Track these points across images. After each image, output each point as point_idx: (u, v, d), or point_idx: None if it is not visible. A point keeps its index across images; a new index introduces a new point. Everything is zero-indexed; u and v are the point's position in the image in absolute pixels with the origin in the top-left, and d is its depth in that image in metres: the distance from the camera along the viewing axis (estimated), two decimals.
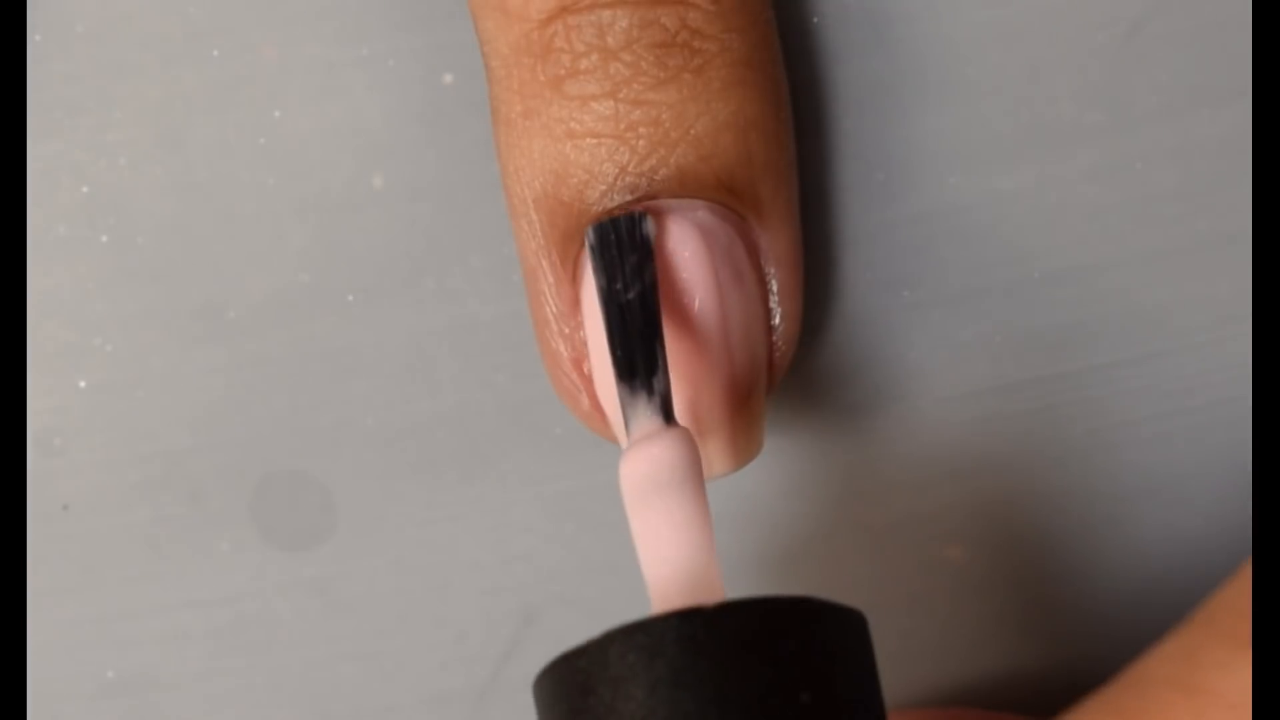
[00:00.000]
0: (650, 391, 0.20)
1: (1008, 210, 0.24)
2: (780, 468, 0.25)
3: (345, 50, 0.24)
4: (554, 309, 0.22)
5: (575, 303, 0.22)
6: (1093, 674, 0.26)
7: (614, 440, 0.22)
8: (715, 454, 0.22)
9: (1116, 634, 0.26)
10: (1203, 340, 0.24)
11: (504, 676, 0.26)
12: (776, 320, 0.22)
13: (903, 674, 0.26)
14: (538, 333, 0.22)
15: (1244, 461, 0.25)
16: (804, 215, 0.24)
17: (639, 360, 0.20)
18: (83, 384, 0.25)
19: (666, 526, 0.20)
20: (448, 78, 0.24)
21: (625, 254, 0.21)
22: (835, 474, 0.25)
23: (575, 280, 0.21)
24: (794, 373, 0.25)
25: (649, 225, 0.21)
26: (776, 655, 0.18)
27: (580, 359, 0.22)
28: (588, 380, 0.22)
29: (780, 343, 0.22)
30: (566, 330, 0.22)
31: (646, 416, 0.20)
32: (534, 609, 0.25)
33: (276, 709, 0.26)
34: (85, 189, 0.24)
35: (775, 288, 0.22)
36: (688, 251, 0.21)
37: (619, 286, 0.21)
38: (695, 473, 0.20)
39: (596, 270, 0.21)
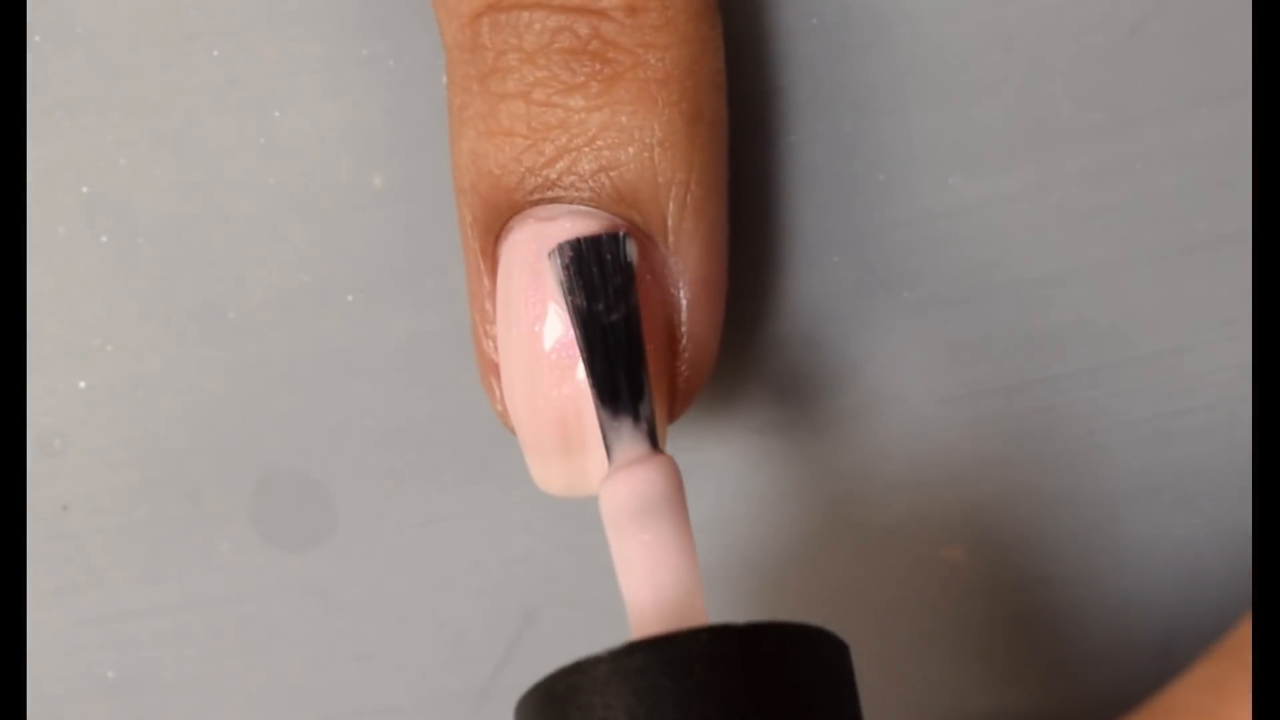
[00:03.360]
0: (636, 416, 0.20)
1: (1008, 210, 0.24)
2: (779, 469, 0.25)
3: (345, 50, 0.24)
4: (478, 304, 0.22)
5: (495, 297, 0.21)
6: (1093, 675, 0.26)
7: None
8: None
9: (1117, 635, 0.26)
10: (1203, 340, 0.24)
11: (504, 677, 0.26)
12: (683, 344, 0.22)
13: (902, 674, 0.26)
14: (472, 327, 0.22)
15: (1244, 462, 0.25)
16: (805, 216, 0.24)
17: (623, 385, 0.20)
18: (83, 384, 0.25)
19: (654, 551, 0.19)
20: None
21: (608, 275, 0.20)
22: (834, 475, 0.25)
23: (492, 273, 0.21)
24: (794, 373, 0.25)
25: (631, 247, 0.20)
26: (797, 678, 0.18)
27: (496, 354, 0.22)
28: (499, 377, 0.22)
29: (685, 369, 0.22)
30: (489, 327, 0.22)
31: (632, 441, 0.20)
32: (534, 609, 0.25)
33: (276, 709, 0.26)
34: (85, 189, 0.24)
35: (684, 311, 0.22)
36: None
37: (600, 308, 0.20)
38: (681, 499, 0.20)
39: (574, 291, 0.20)
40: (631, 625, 0.19)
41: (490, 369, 0.22)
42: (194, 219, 0.24)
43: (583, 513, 0.25)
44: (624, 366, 0.20)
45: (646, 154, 0.21)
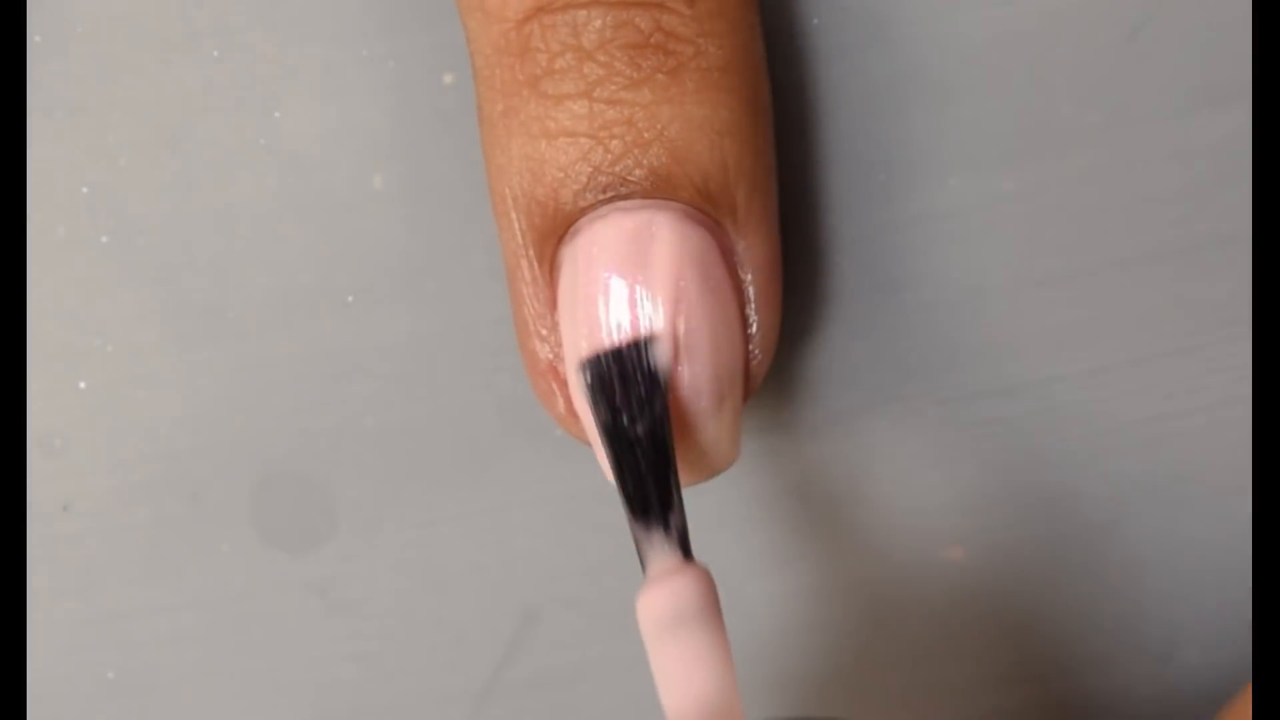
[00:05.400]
0: (666, 527, 0.20)
1: (1008, 210, 0.24)
2: (780, 468, 0.25)
3: (345, 50, 0.24)
4: (532, 309, 0.22)
5: (552, 303, 0.21)
6: (1093, 675, 0.26)
7: (589, 444, 0.22)
8: (683, 463, 0.21)
9: (1117, 635, 0.26)
10: (1203, 340, 0.24)
11: (504, 677, 0.26)
12: (753, 329, 0.22)
13: (903, 675, 0.26)
14: (518, 333, 0.22)
15: (1244, 462, 0.25)
16: (805, 216, 0.24)
17: (652, 497, 0.20)
18: (83, 384, 0.25)
19: (690, 661, 0.20)
20: (448, 78, 0.24)
21: (631, 387, 0.20)
22: (835, 475, 0.25)
23: (552, 281, 0.21)
24: (794, 373, 0.25)
25: (657, 353, 0.20)
26: None
27: (557, 360, 0.22)
28: (563, 383, 0.22)
29: (757, 351, 0.22)
30: (544, 331, 0.22)
31: (664, 553, 0.20)
32: (534, 609, 0.25)
33: (276, 709, 0.26)
34: (85, 189, 0.24)
35: (752, 295, 0.22)
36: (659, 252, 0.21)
37: (625, 422, 0.20)
38: (716, 608, 0.20)
39: (598, 406, 0.20)
40: None
41: (547, 373, 0.22)
42: (194, 219, 0.24)
43: (583, 513, 0.25)
44: (653, 479, 0.20)
45: (717, 142, 0.21)
